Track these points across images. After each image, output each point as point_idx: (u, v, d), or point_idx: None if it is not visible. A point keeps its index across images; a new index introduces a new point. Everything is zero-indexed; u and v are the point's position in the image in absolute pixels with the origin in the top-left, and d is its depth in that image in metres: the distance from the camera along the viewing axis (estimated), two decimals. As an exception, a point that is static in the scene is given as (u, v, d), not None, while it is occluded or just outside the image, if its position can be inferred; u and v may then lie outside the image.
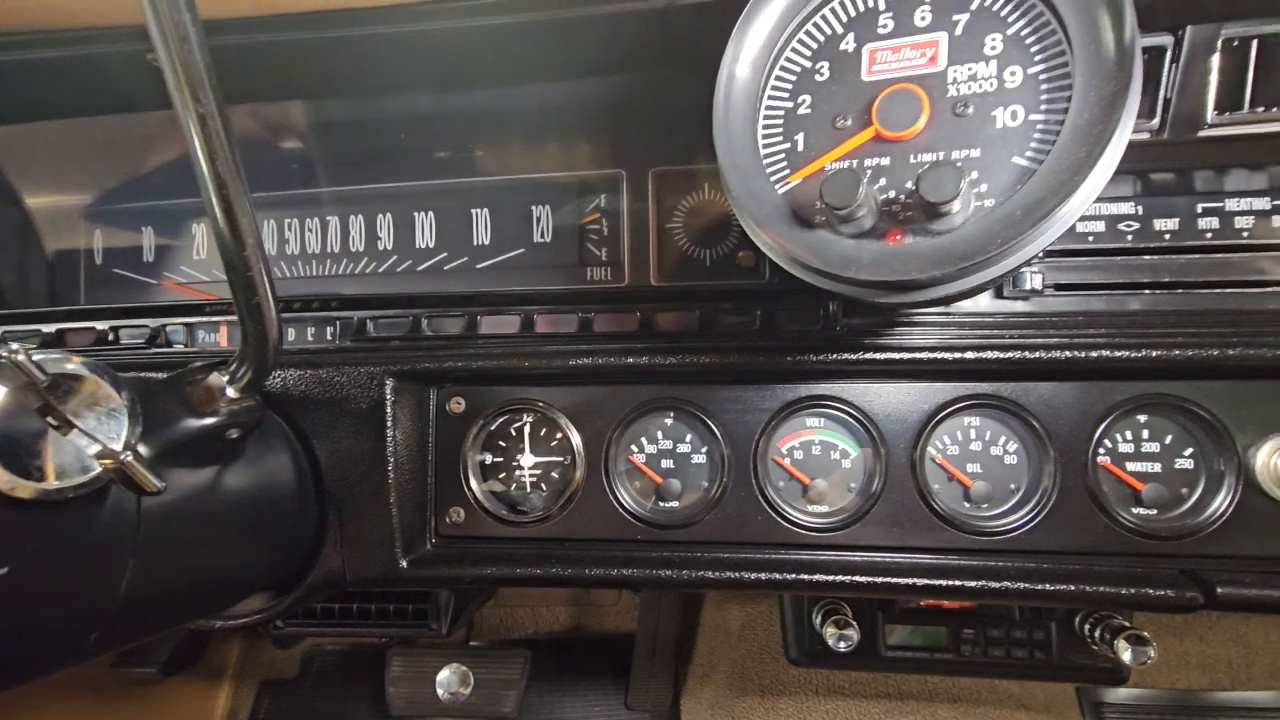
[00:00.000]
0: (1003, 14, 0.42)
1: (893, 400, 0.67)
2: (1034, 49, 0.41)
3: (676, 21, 0.57)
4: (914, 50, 0.43)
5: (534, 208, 0.80)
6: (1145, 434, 0.65)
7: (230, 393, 0.52)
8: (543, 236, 0.80)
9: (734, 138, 0.44)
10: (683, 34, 0.57)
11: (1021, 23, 0.41)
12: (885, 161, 0.44)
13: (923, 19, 0.44)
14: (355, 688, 1.61)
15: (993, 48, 0.42)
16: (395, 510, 0.68)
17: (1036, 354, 0.62)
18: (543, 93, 0.77)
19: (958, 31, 0.43)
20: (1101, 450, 0.65)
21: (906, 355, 0.63)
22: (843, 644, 0.91)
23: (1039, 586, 0.62)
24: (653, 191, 0.76)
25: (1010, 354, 0.63)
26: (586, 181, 0.79)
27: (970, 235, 0.40)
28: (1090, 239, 0.67)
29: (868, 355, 0.64)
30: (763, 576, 0.65)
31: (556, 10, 0.58)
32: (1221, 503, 0.62)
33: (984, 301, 0.67)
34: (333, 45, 0.63)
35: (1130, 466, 0.65)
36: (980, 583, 0.63)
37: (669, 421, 0.71)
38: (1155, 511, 0.64)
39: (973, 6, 0.42)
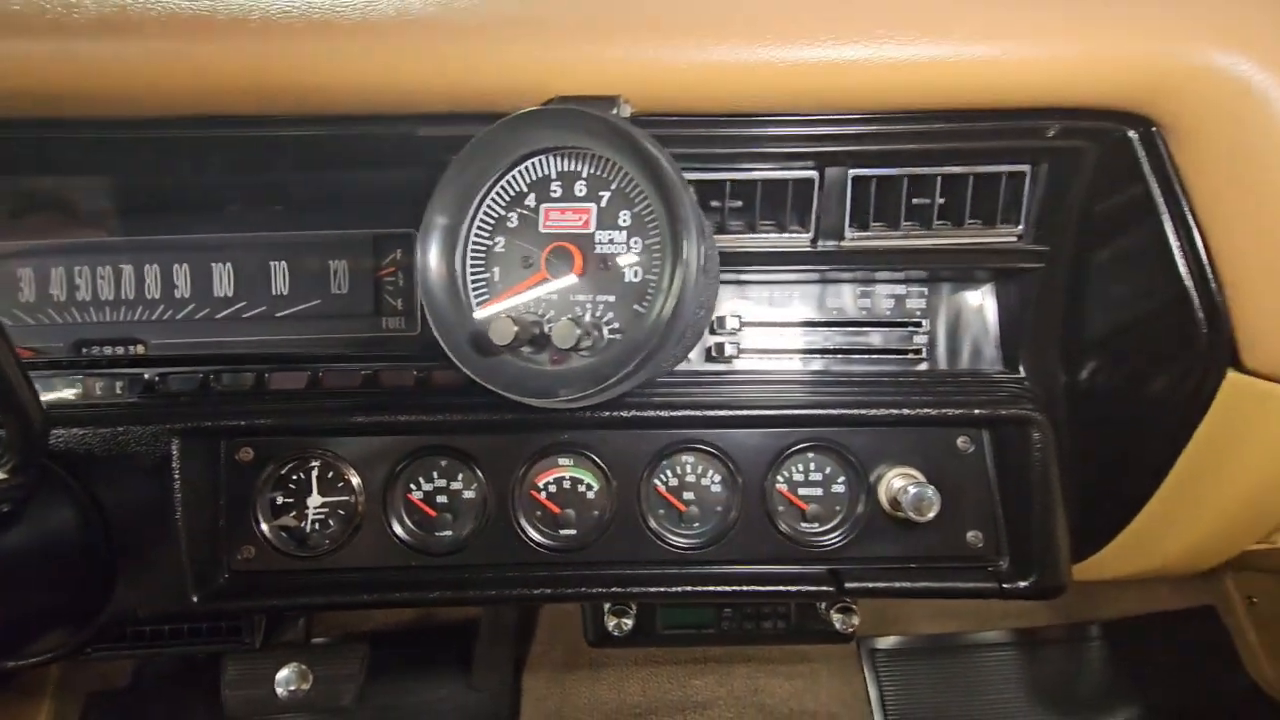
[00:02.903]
0: (632, 196, 0.56)
1: (623, 444, 0.83)
2: (649, 226, 0.56)
3: (424, 143, 0.67)
4: (574, 214, 0.57)
5: (331, 261, 0.88)
6: (812, 467, 0.85)
7: (-1, 473, 0.58)
8: (340, 288, 0.88)
9: (430, 274, 0.57)
10: (433, 151, 0.67)
11: (641, 206, 0.56)
12: (554, 298, 0.58)
13: (580, 190, 0.58)
14: (192, 694, 1.62)
15: (624, 221, 0.56)
16: (185, 552, 0.76)
17: (729, 411, 0.80)
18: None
19: (603, 204, 0.57)
20: (779, 480, 0.84)
21: (631, 413, 0.79)
22: (617, 630, 1.09)
23: (728, 589, 0.81)
24: (443, 250, 0.86)
25: (710, 411, 0.80)
26: (381, 238, 0.87)
27: (599, 364, 0.54)
28: (768, 311, 0.86)
29: (601, 413, 0.79)
30: (513, 592, 0.80)
31: (326, 129, 0.67)
32: (858, 518, 0.83)
33: (696, 363, 0.85)
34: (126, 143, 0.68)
35: (800, 491, 0.84)
36: (686, 587, 0.82)
37: (443, 463, 0.83)
38: (817, 525, 0.84)
39: (612, 188, 0.57)
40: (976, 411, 0.79)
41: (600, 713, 1.58)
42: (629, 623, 1.10)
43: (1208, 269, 0.63)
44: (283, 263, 0.88)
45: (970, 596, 0.81)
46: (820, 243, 0.79)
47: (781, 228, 0.79)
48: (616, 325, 0.56)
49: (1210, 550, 0.76)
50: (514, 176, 0.59)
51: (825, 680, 1.71)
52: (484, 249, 0.59)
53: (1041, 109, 0.65)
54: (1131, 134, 0.65)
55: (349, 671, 1.66)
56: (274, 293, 0.88)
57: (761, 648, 1.71)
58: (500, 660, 1.73)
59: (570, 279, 0.57)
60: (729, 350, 0.84)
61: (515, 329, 0.53)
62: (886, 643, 1.78)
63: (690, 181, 0.74)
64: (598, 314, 0.57)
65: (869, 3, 0.63)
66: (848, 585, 0.80)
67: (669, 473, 0.84)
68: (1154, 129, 0.64)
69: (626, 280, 0.56)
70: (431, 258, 0.57)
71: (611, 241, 0.57)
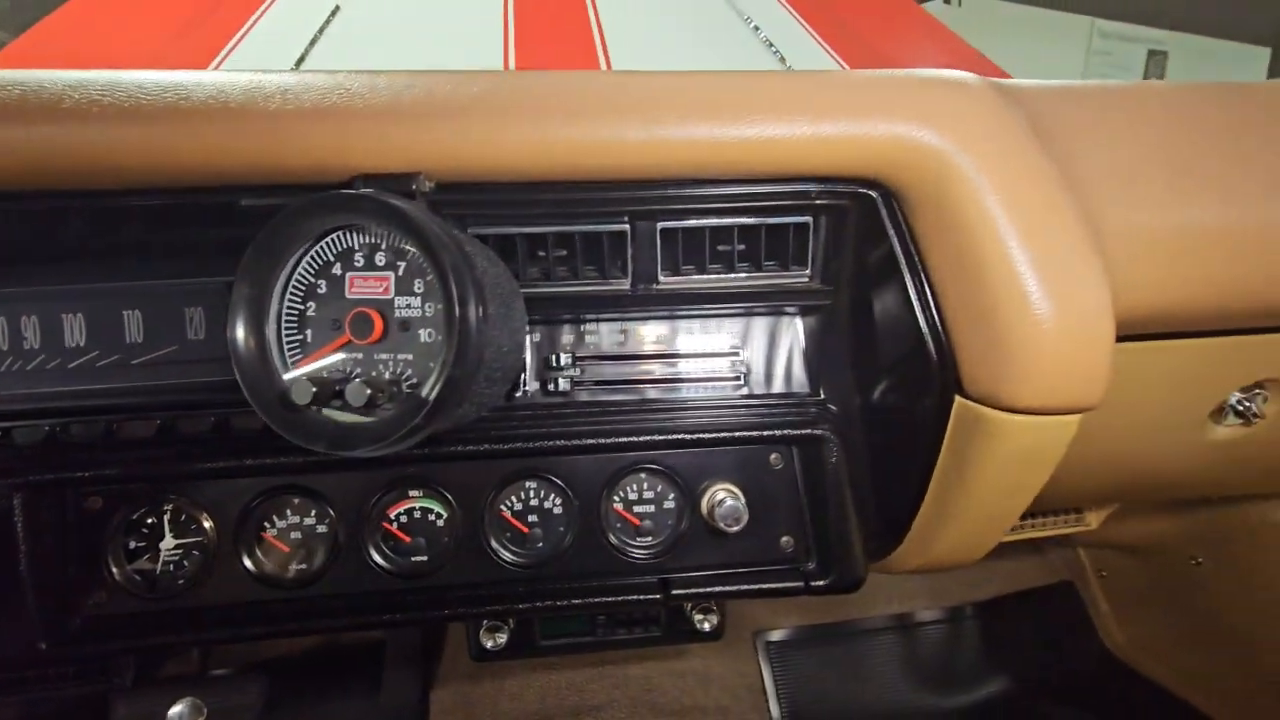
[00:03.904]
0: (424, 266, 0.64)
1: (468, 475, 0.90)
2: (439, 292, 0.63)
3: (248, 215, 0.73)
4: (376, 282, 0.64)
5: (187, 309, 0.91)
6: (645, 486, 0.94)
7: None
8: (196, 334, 0.92)
9: (236, 341, 0.62)
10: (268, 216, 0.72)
11: (432, 276, 0.63)
12: (360, 357, 0.64)
13: (381, 260, 0.64)
14: (81, 736, 1.58)
15: (419, 288, 0.64)
16: (32, 602, 0.79)
17: (564, 441, 0.88)
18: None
19: (400, 273, 0.64)
20: (615, 499, 0.93)
21: (470, 447, 0.86)
22: (491, 644, 1.16)
23: (564, 602, 0.89)
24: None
25: (546, 441, 0.88)
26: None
27: (400, 415, 0.61)
28: (598, 348, 0.95)
29: (443, 447, 0.85)
30: (363, 619, 0.86)
31: (156, 199, 0.72)
32: (684, 531, 0.93)
33: (536, 397, 0.93)
34: None
35: (635, 509, 0.93)
36: (529, 604, 0.89)
37: (295, 501, 0.88)
38: (650, 539, 0.93)
39: (408, 259, 0.64)
40: (779, 432, 0.90)
41: (499, 723, 1.64)
42: (503, 637, 1.17)
43: (935, 314, 0.75)
44: (136, 311, 0.91)
45: (782, 595, 0.92)
46: (638, 287, 0.88)
47: (603, 274, 0.87)
48: (415, 381, 0.63)
49: (969, 545, 0.88)
50: (322, 247, 0.65)
51: (718, 675, 1.81)
52: (297, 313, 0.65)
53: (800, 177, 0.76)
54: (875, 196, 0.77)
55: (246, 702, 1.66)
56: (128, 340, 0.90)
57: (658, 649, 1.80)
58: (408, 680, 1.76)
59: (372, 341, 0.64)
60: (563, 385, 0.92)
61: (314, 389, 0.59)
62: (778, 634, 1.90)
63: (513, 235, 0.83)
64: (398, 371, 0.64)
65: (641, 88, 0.72)
66: (674, 592, 0.90)
67: (513, 498, 0.92)
68: (889, 193, 0.76)
69: (423, 340, 0.63)
70: (238, 327, 0.62)
71: (409, 306, 0.64)
